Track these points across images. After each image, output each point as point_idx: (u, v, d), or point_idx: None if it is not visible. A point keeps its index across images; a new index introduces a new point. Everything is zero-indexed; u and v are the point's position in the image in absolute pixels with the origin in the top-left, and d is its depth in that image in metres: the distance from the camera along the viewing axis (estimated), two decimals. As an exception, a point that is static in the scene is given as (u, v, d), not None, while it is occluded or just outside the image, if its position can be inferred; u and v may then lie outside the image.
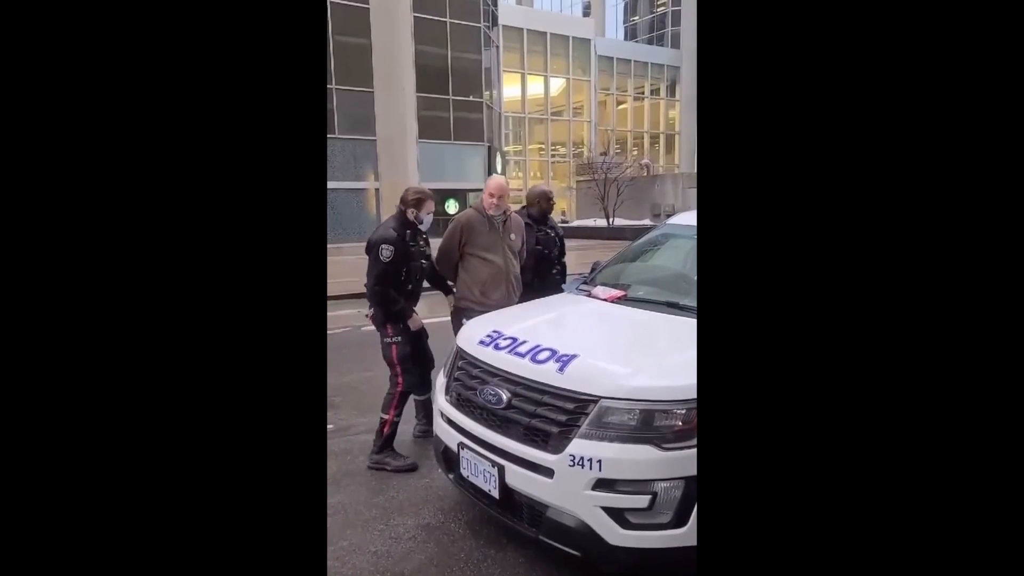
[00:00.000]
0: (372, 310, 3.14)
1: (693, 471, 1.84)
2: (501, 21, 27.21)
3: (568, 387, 2.01)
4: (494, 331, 2.46)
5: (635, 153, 36.40)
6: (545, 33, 31.49)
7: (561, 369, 2.07)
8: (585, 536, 1.90)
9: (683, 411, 1.89)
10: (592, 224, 22.63)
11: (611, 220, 22.33)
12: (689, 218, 3.33)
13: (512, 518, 2.12)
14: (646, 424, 1.90)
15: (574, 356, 2.11)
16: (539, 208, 3.72)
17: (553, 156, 34.46)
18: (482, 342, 2.41)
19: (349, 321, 6.65)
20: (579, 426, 1.94)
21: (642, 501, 1.85)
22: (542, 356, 2.16)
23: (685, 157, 36.70)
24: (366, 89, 16.63)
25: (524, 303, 3.12)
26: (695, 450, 1.86)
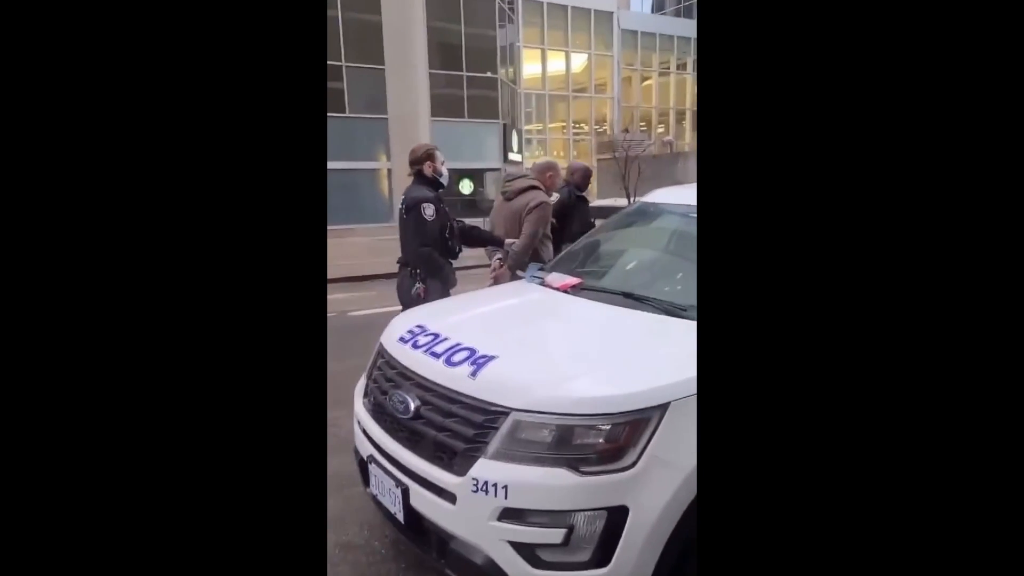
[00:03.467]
0: (420, 286, 3.06)
1: (617, 500, 1.53)
2: (521, -5, 26.49)
3: (478, 395, 1.69)
4: (418, 325, 2.15)
5: (660, 131, 35.38)
6: (566, 7, 30.55)
7: (474, 374, 1.75)
8: (492, 574, 1.60)
9: (607, 427, 1.57)
10: (612, 204, 22.11)
11: (632, 199, 21.76)
12: (665, 195, 2.94)
13: (419, 545, 1.83)
14: (563, 443, 1.58)
15: (492, 358, 1.79)
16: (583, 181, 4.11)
17: (576, 135, 33.68)
18: (402, 338, 2.11)
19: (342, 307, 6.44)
20: (487, 443, 1.63)
21: (556, 535, 1.54)
22: (458, 357, 1.84)
23: (712, 134, 35.42)
24: (377, 66, 16.28)
25: (474, 292, 2.80)
26: (622, 475, 1.54)
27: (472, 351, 1.84)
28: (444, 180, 3.24)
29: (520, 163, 22.32)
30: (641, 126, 34.51)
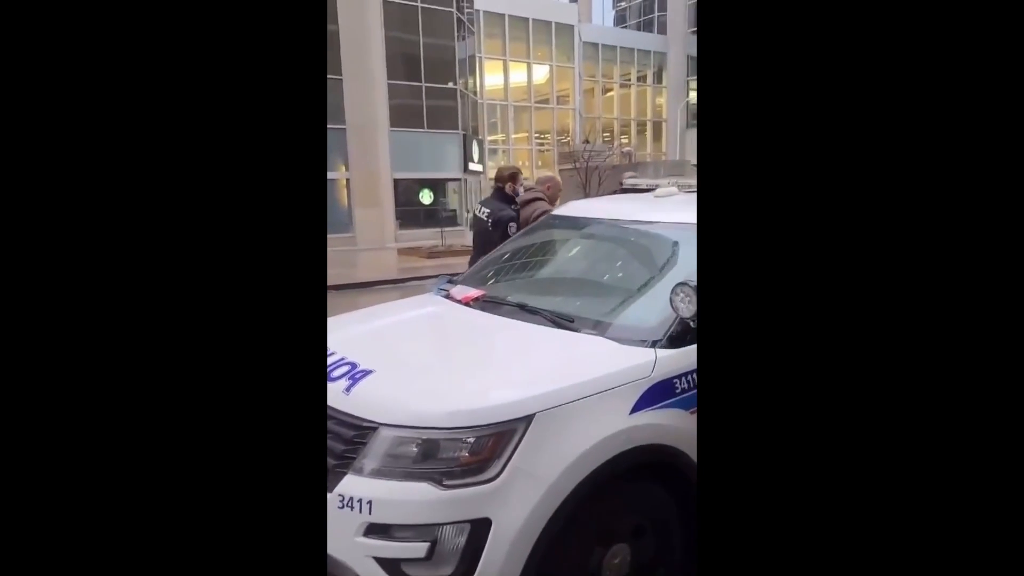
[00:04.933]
0: None
1: (481, 513, 1.54)
2: (482, 7, 26.63)
3: (350, 411, 1.69)
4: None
5: (625, 141, 35.88)
6: (527, 19, 30.86)
7: (348, 389, 1.75)
8: (359, 590, 1.59)
9: (472, 440, 1.58)
10: (573, 213, 22.23)
11: (592, 209, 21.90)
12: (576, 208, 3.00)
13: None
14: (428, 457, 1.58)
15: (368, 373, 1.79)
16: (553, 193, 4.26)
17: (540, 145, 33.93)
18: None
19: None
20: (355, 459, 1.63)
21: (420, 550, 1.54)
22: (338, 372, 1.84)
23: (672, 144, 36.20)
24: (334, 76, 16.14)
25: (382, 304, 2.80)
26: (485, 487, 1.56)
27: (353, 366, 1.84)
28: (518, 200, 3.88)
29: (481, 173, 22.36)
30: (604, 136, 34.95)
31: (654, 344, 1.94)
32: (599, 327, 2.04)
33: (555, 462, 1.62)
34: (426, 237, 17.14)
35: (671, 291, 1.93)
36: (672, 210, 2.61)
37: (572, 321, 2.11)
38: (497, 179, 4.07)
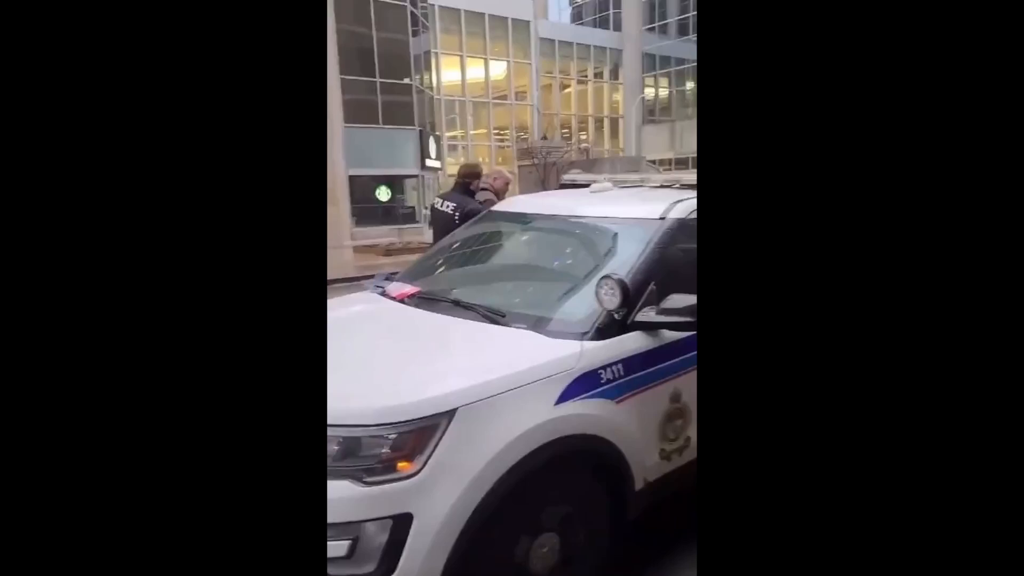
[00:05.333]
0: None
1: (402, 508, 1.54)
2: (437, 1, 26.41)
3: (271, 411, 1.67)
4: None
5: (583, 137, 36.17)
6: (484, 15, 30.76)
7: (270, 388, 1.72)
8: (282, 591, 1.57)
9: (393, 436, 1.58)
10: (532, 209, 22.28)
11: (550, 205, 21.98)
12: (519, 203, 3.01)
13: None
14: (349, 455, 1.58)
15: (291, 371, 1.77)
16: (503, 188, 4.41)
17: (499, 141, 33.91)
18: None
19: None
20: (276, 459, 1.61)
21: (341, 548, 1.53)
22: (261, 372, 1.81)
23: (628, 140, 36.68)
24: (285, 71, 15.75)
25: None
26: (407, 482, 1.56)
27: (277, 365, 1.82)
28: (478, 198, 4.11)
29: (439, 169, 22.20)
30: (563, 132, 35.14)
31: (581, 336, 1.97)
32: (529, 321, 2.06)
33: (478, 455, 1.63)
34: (383, 234, 16.93)
35: (596, 284, 1.97)
36: (605, 204, 2.65)
37: (503, 316, 2.12)
38: (464, 175, 4.24)
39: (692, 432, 2.19)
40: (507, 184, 4.59)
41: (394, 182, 19.48)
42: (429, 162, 20.78)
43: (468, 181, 4.18)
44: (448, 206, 4.04)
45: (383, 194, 18.55)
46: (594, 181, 3.00)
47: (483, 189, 4.19)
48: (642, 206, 2.48)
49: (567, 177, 3.28)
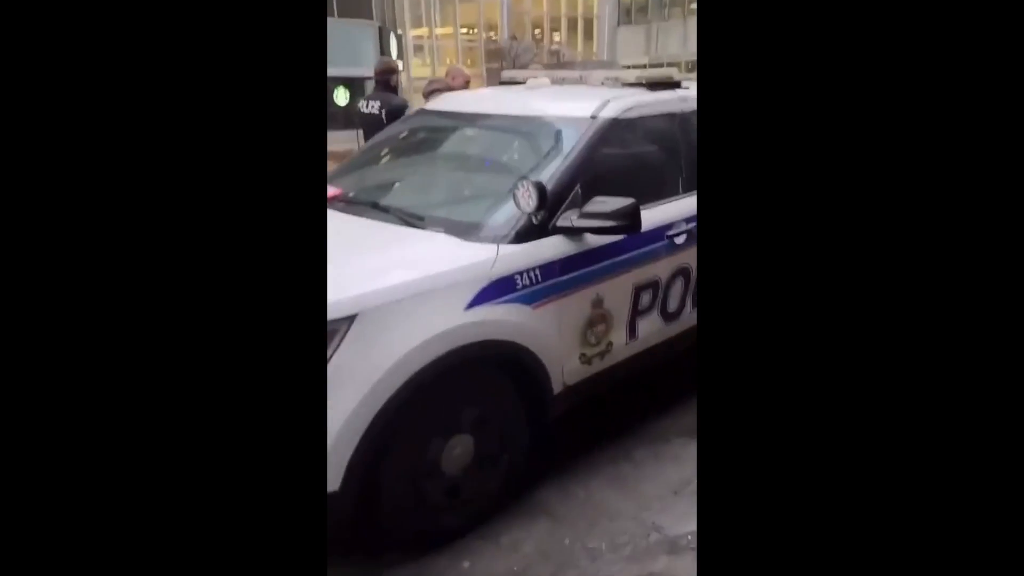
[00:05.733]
0: None
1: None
2: None
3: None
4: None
5: (556, 38, 34.45)
6: None
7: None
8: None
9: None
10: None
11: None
12: (446, 102, 2.83)
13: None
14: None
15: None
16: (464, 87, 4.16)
17: (467, 40, 32.08)
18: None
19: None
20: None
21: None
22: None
23: (601, 43, 35.07)
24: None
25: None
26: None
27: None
28: (424, 92, 4.12)
29: (400, 71, 21.03)
30: (535, 32, 33.39)
31: (497, 241, 1.90)
32: (445, 225, 1.98)
33: (381, 360, 1.60)
34: (342, 140, 16.21)
35: (513, 187, 1.88)
36: (535, 102, 2.51)
37: (422, 219, 2.04)
38: (379, 72, 4.30)
39: (614, 337, 2.19)
40: (467, 82, 4.34)
41: (353, 84, 18.42)
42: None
43: (386, 78, 4.22)
44: (373, 106, 4.07)
45: (341, 97, 17.56)
46: (532, 77, 2.83)
47: (436, 90, 4.01)
48: (573, 104, 2.35)
49: (507, 74, 3.08)
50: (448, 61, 30.53)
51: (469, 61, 31.58)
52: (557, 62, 26.44)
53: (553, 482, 2.14)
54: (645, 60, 28.73)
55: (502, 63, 22.40)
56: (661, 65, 28.26)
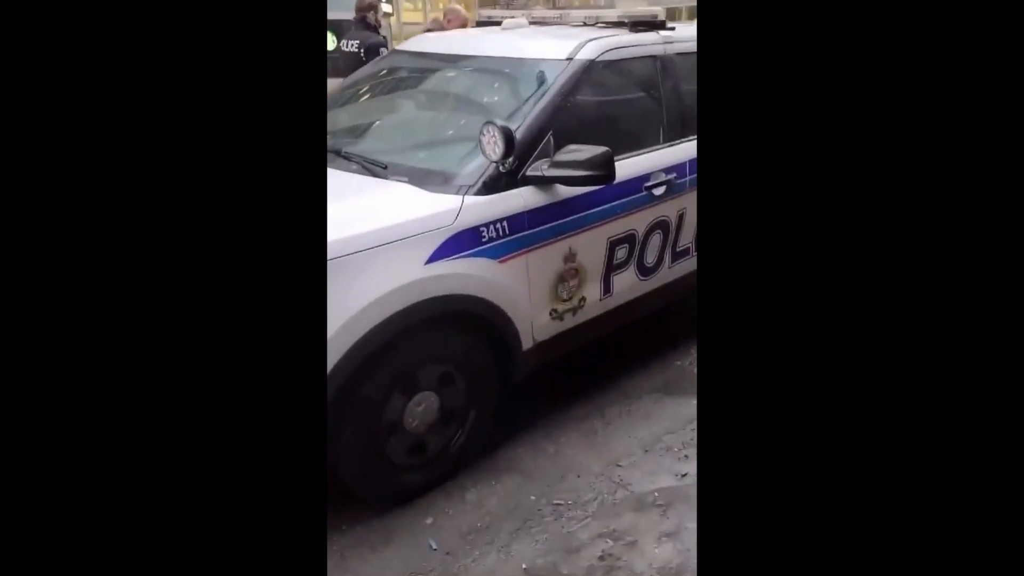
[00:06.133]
0: None
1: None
2: None
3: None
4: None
5: (553, -19, 33.17)
6: None
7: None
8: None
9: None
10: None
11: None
12: (419, 43, 2.67)
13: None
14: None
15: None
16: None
17: (458, -17, 30.81)
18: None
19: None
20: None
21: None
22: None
23: (601, -14, 33.74)
24: None
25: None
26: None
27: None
28: (381, 30, 4.12)
29: (390, 14, 20.27)
30: (531, -25, 32.13)
31: (463, 191, 1.81)
32: (409, 173, 1.88)
33: (335, 315, 1.53)
34: (329, 89, 15.73)
35: (479, 131, 1.77)
36: (509, 43, 2.36)
37: (385, 168, 1.93)
38: (359, 9, 4.22)
39: (587, 292, 2.13)
40: (464, 25, 4.10)
41: (340, 27, 17.76)
42: (382, 6, 18.87)
43: (363, 15, 4.19)
44: (352, 44, 4.03)
45: (328, 42, 16.96)
46: (510, 17, 2.66)
47: (427, 30, 3.99)
48: (548, 45, 2.20)
49: (484, 13, 2.91)
50: (441, 5, 29.39)
51: (464, 3, 30.38)
52: (554, 5, 25.49)
53: (524, 438, 2.11)
54: (647, 6, 27.72)
55: (495, 6, 21.58)
56: (668, 13, 27.30)
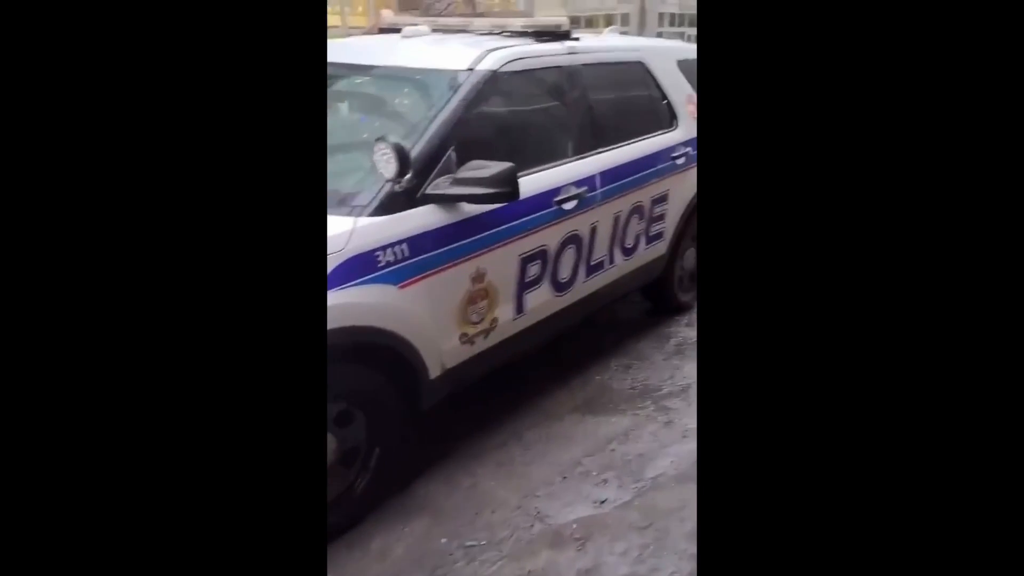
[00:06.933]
0: None
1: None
2: None
3: None
4: None
5: (474, -13, 33.22)
6: None
7: None
8: None
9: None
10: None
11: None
12: (351, 51, 2.48)
13: None
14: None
15: None
16: None
17: (378, -13, 30.28)
18: None
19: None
20: None
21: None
22: None
23: (521, -6, 34.10)
24: None
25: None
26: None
27: None
28: None
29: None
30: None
31: (355, 212, 1.66)
32: (296, 194, 1.71)
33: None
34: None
35: (373, 149, 1.64)
36: (408, 52, 2.23)
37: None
38: None
39: (499, 313, 2.03)
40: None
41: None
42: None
43: None
44: None
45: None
46: (412, 24, 2.53)
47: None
48: (449, 55, 2.09)
49: (386, 20, 2.77)
50: (360, 10, 28.74)
51: (381, 5, 29.86)
52: (473, 11, 25.49)
53: (438, 473, 1.98)
54: (563, 12, 28.24)
55: (415, 12, 21.34)
56: (578, 20, 27.92)
